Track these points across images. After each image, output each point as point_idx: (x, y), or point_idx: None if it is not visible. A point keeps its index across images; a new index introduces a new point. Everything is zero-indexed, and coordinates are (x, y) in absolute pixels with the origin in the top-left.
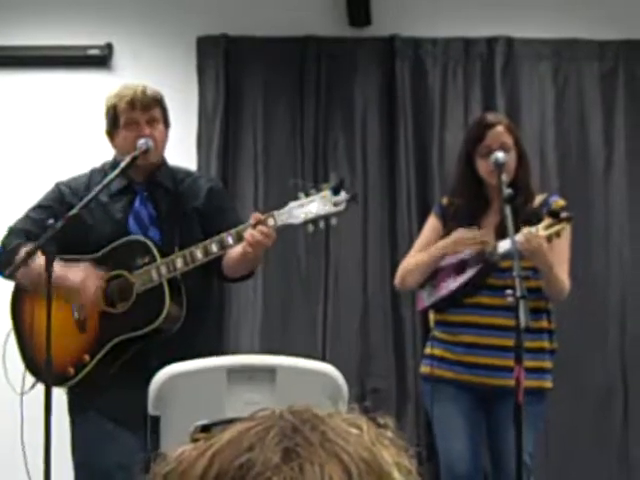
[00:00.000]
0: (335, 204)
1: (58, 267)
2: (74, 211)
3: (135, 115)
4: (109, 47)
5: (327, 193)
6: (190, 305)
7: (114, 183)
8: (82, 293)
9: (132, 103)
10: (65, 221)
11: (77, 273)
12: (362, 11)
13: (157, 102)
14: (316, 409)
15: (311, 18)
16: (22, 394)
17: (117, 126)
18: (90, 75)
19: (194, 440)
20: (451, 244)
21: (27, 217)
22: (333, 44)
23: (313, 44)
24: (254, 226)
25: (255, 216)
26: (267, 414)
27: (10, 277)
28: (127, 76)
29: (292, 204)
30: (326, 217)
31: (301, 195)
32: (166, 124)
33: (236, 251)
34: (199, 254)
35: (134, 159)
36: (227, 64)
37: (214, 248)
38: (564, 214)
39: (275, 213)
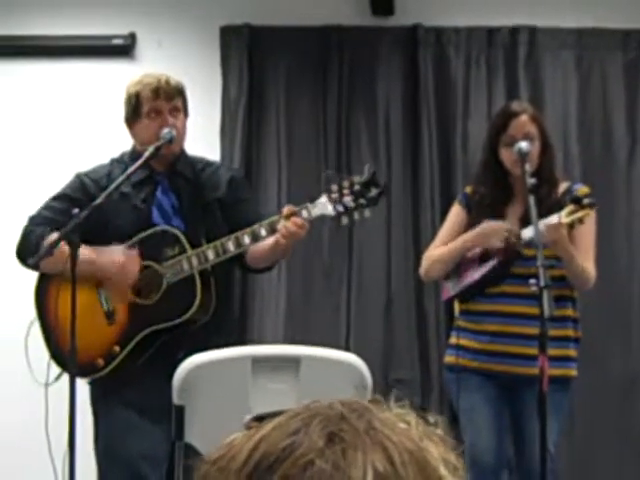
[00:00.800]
0: (368, 196)
1: (90, 251)
2: (99, 200)
3: (159, 104)
4: (132, 37)
5: (360, 185)
6: (218, 296)
7: (135, 174)
8: (122, 277)
9: (156, 92)
10: (90, 210)
11: (115, 257)
12: (385, 0)
13: (180, 92)
14: (367, 403)
15: (334, 7)
16: (47, 385)
17: (139, 114)
18: (113, 65)
19: (248, 428)
20: (477, 236)
21: (49, 206)
22: (356, 34)
23: (336, 34)
24: (287, 218)
25: (288, 208)
26: (317, 404)
27: (34, 267)
28: (150, 66)
29: (325, 196)
30: (359, 209)
31: (334, 187)
32: (186, 114)
33: (265, 242)
34: (231, 246)
35: (158, 149)
36: (250, 54)
37: (246, 240)
38: (586, 200)
39: (309, 205)
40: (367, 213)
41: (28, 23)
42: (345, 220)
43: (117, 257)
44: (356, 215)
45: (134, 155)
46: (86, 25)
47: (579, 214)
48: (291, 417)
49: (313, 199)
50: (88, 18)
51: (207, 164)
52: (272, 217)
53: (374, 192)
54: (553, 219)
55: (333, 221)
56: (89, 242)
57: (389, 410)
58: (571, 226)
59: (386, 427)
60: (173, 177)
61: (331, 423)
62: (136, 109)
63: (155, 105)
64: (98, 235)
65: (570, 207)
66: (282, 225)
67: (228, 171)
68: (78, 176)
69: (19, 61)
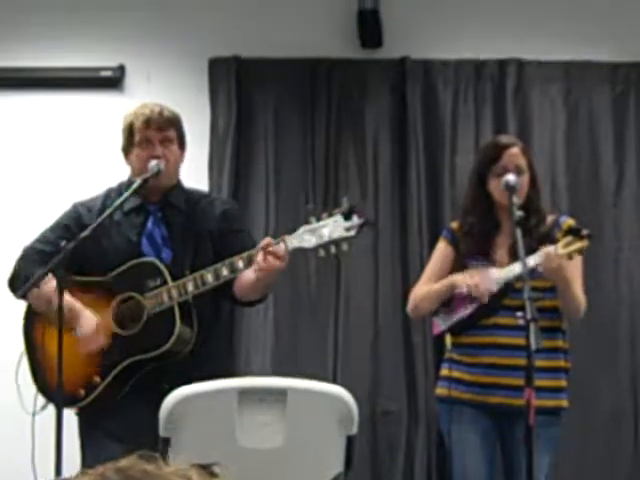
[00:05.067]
0: (347, 229)
1: (71, 305)
2: (86, 233)
3: (149, 134)
4: (121, 69)
5: (339, 218)
6: (201, 328)
7: (128, 202)
8: (88, 345)
9: (147, 122)
10: (77, 242)
11: (89, 322)
12: (373, 33)
13: (172, 123)
14: (145, 465)
15: (322, 40)
16: (34, 414)
17: (132, 144)
18: (102, 97)
19: None
20: (466, 280)
21: (43, 237)
22: (344, 66)
23: (324, 66)
24: (264, 250)
25: (266, 240)
26: (92, 474)
27: (23, 297)
28: (139, 98)
29: (303, 228)
30: (337, 242)
31: (312, 219)
32: (181, 146)
33: (249, 275)
34: (210, 278)
35: (145, 181)
36: (239, 86)
37: (224, 272)
38: (585, 232)
39: (286, 237)
40: (345, 246)
41: (16, 55)
42: (322, 253)
43: (90, 322)
44: (333, 248)
45: (130, 185)
46: (75, 57)
47: (577, 245)
48: None
49: (291, 231)
50: (77, 50)
51: (203, 196)
52: (251, 250)
53: (352, 225)
54: (549, 251)
55: (312, 253)
56: (83, 271)
57: (169, 468)
58: (569, 257)
59: None
60: (165, 208)
61: None
62: (129, 139)
63: (146, 135)
64: (92, 264)
65: (566, 239)
66: (260, 258)
67: (223, 204)
68: (74, 206)
69: (6, 93)
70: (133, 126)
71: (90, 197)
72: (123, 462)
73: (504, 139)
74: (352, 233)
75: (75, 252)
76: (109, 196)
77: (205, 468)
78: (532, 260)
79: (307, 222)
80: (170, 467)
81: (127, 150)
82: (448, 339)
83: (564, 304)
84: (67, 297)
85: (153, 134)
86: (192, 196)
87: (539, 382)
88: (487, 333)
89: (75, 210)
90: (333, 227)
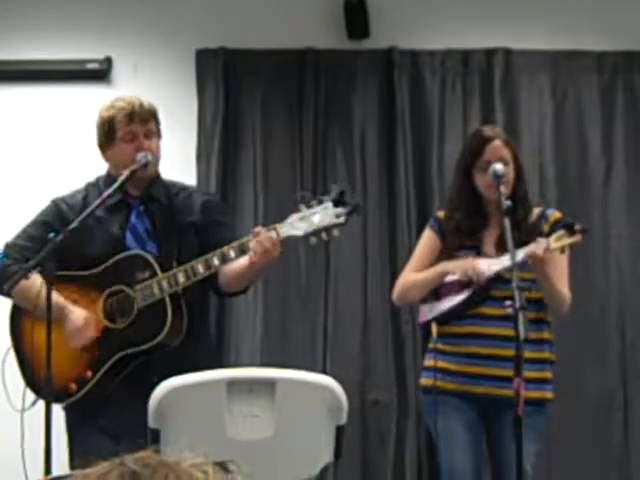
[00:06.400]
0: (337, 216)
1: (57, 302)
2: (74, 225)
3: (134, 128)
4: (108, 61)
5: (328, 205)
6: (190, 319)
7: (109, 197)
8: (78, 339)
9: (130, 116)
10: (65, 235)
11: (78, 318)
12: (360, 23)
13: (153, 114)
14: (162, 457)
15: (309, 31)
16: (23, 411)
17: (113, 139)
18: (89, 89)
19: None
20: (457, 268)
21: (24, 233)
22: (331, 56)
23: (311, 57)
24: (257, 238)
25: (258, 229)
26: (108, 463)
27: (7, 294)
28: (126, 90)
29: (294, 216)
30: (328, 229)
31: (302, 207)
32: (159, 136)
33: (238, 264)
34: (201, 268)
35: (133, 173)
36: (226, 77)
37: (216, 262)
38: (578, 226)
39: (277, 226)
40: (335, 232)
41: (3, 48)
42: (314, 240)
43: (79, 318)
44: (324, 235)
45: (109, 179)
46: (61, 49)
47: (570, 240)
48: (84, 478)
49: (282, 220)
50: (63, 42)
51: (181, 188)
52: (241, 239)
53: (342, 211)
54: (541, 243)
55: (303, 241)
56: (67, 267)
57: (186, 461)
58: (562, 251)
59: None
60: (147, 201)
61: None
62: (110, 134)
63: (130, 129)
64: (76, 260)
65: (559, 232)
66: (254, 242)
67: (202, 195)
68: (54, 201)
69: None
70: (114, 121)
71: (68, 193)
72: (140, 453)
73: (486, 131)
74: (342, 220)
75: (59, 247)
76: (89, 191)
77: (220, 464)
78: (521, 253)
79: (297, 210)
80: (187, 460)
81: (106, 145)
82: (433, 329)
83: (547, 297)
84: (54, 295)
85: (137, 127)
86: (171, 189)
87: (524, 373)
88: (474, 323)
89: (55, 206)
90: (323, 214)
